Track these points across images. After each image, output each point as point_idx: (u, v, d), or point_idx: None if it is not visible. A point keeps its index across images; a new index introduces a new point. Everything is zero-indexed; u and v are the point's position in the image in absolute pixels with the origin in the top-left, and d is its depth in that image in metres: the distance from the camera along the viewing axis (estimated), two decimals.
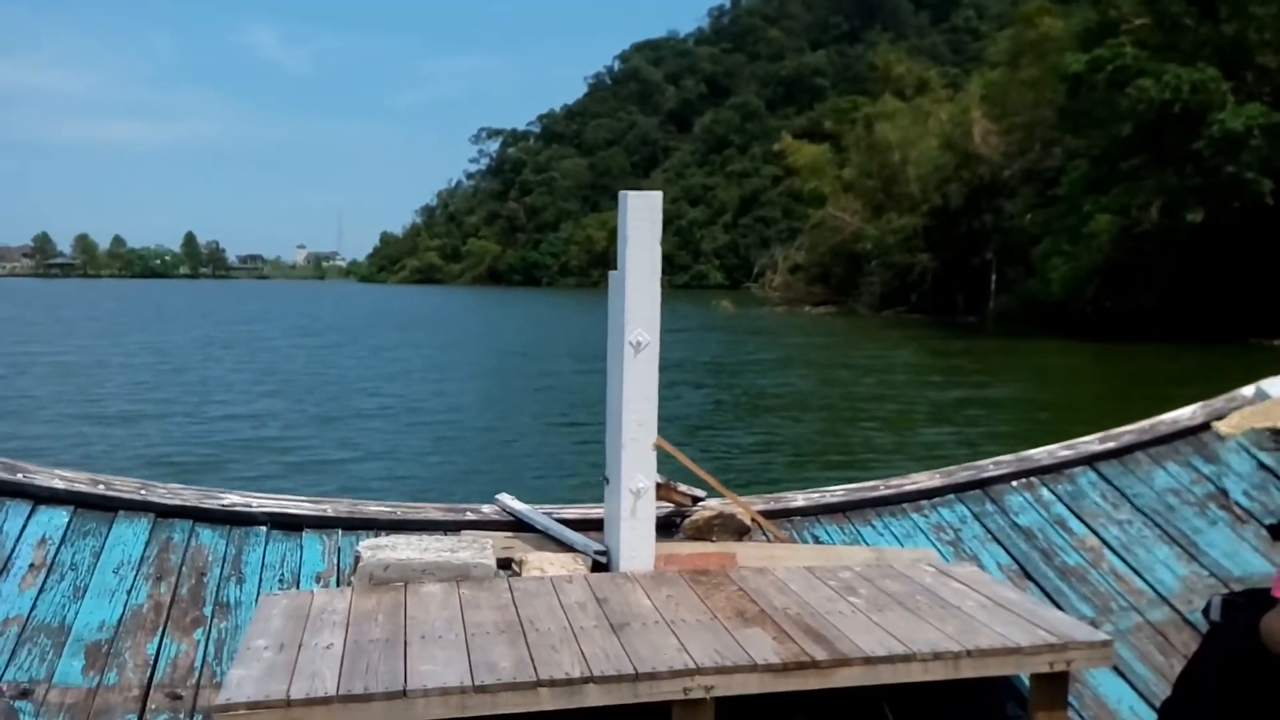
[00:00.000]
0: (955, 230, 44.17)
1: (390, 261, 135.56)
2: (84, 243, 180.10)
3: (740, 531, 3.58)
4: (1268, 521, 3.70)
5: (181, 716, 2.63)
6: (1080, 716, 2.91)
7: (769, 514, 3.74)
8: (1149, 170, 31.26)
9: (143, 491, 3.38)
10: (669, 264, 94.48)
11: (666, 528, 3.53)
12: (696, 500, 3.63)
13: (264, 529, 3.41)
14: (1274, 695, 2.05)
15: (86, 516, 3.25)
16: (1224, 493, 3.93)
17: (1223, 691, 2.17)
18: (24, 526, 3.14)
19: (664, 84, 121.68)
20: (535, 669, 2.48)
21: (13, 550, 3.05)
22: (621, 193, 3.25)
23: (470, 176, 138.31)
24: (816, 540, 3.76)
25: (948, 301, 43.99)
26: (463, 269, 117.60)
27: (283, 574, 3.26)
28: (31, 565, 3.01)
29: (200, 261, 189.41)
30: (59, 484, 3.28)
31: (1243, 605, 2.22)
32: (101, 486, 3.35)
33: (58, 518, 3.21)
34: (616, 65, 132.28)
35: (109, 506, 3.32)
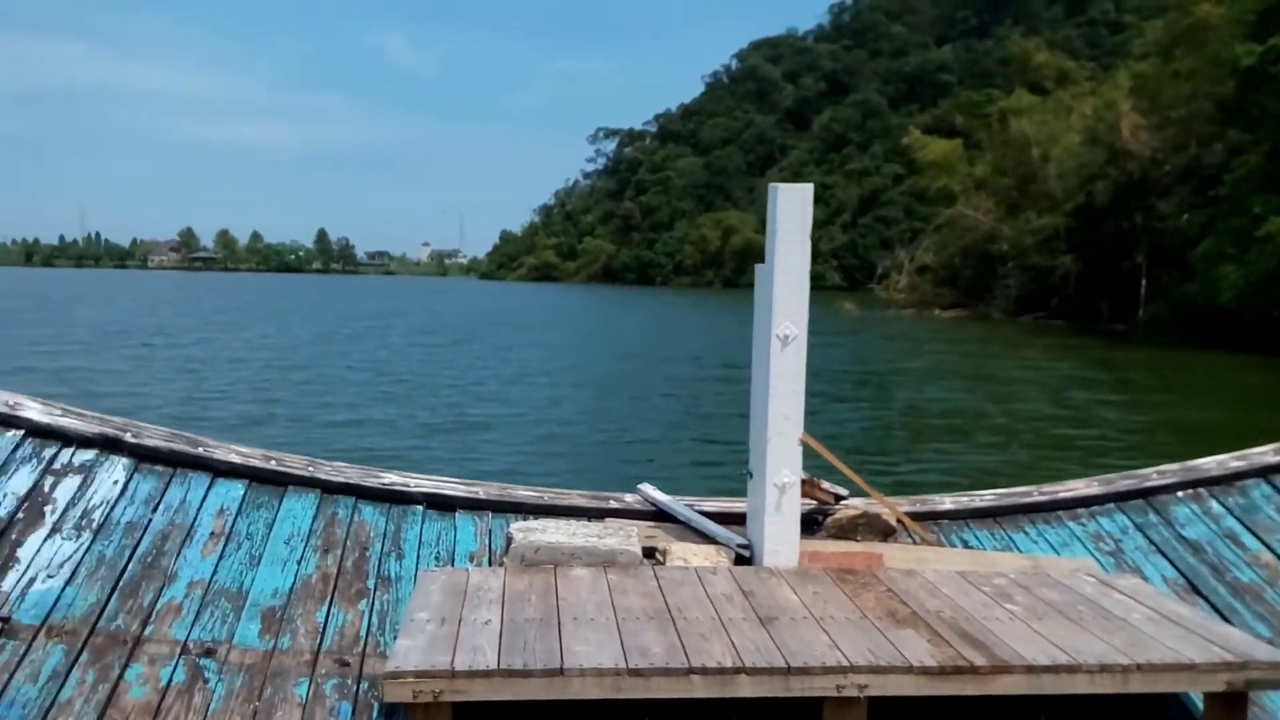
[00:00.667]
0: (1101, 231, 41.31)
1: (509, 259, 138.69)
2: (225, 238, 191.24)
3: (885, 532, 3.51)
4: None
5: (349, 683, 2.76)
6: None
7: (915, 516, 3.66)
8: None
9: (310, 468, 3.59)
10: None
11: (808, 525, 3.50)
12: (839, 499, 3.59)
13: (420, 508, 3.56)
14: None
15: (260, 490, 3.47)
16: None
17: None
18: (204, 497, 3.37)
19: (782, 82, 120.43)
20: (687, 656, 2.51)
21: (195, 519, 3.27)
22: (771, 185, 3.23)
23: (587, 176, 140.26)
24: (965, 545, 3.66)
25: (1091, 307, 41.17)
26: (578, 267, 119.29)
27: (438, 551, 3.39)
28: (212, 534, 3.22)
29: (331, 257, 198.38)
30: (235, 459, 3.50)
31: None
32: (273, 462, 3.57)
33: (234, 490, 3.44)
34: (734, 64, 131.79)
35: (280, 481, 3.53)
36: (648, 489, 3.79)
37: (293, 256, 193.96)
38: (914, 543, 3.56)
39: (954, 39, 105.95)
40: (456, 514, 3.58)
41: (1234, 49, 31.71)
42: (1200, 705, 2.69)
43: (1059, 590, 3.09)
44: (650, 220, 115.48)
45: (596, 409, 17.11)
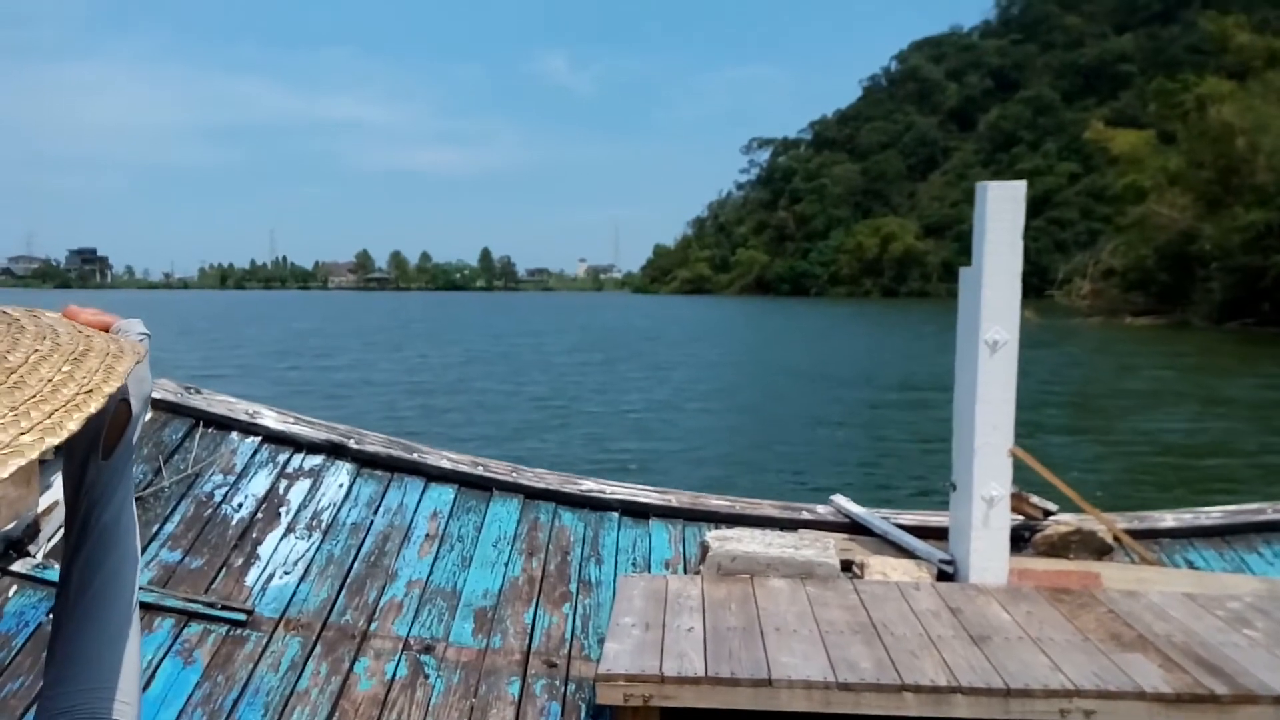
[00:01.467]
0: None
1: (662, 273, 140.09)
2: (397, 259, 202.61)
3: (1101, 550, 3.32)
4: None
5: (557, 683, 2.86)
6: None
7: (1134, 534, 3.45)
8: None
9: (514, 474, 3.75)
10: (948, 271, 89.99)
11: (1015, 542, 3.35)
12: (1049, 514, 3.42)
13: (616, 515, 3.66)
14: None
15: (468, 494, 3.66)
16: None
17: None
18: (419, 501, 3.58)
19: (945, 81, 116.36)
20: (898, 672, 2.46)
21: (411, 521, 3.48)
22: (979, 184, 3.13)
23: (740, 187, 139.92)
24: (1191, 565, 3.41)
25: None
26: (731, 279, 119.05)
27: (634, 558, 3.47)
28: (427, 535, 3.42)
29: (494, 275, 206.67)
30: (446, 464, 3.71)
31: None
32: (480, 468, 3.75)
33: (445, 494, 3.64)
34: (893, 65, 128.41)
35: (486, 486, 3.71)
36: (841, 500, 3.73)
37: (458, 275, 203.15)
38: (1133, 562, 3.34)
39: (1135, 26, 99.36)
40: (651, 521, 3.65)
41: None
42: None
43: None
44: (805, 230, 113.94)
45: (773, 423, 17.04)
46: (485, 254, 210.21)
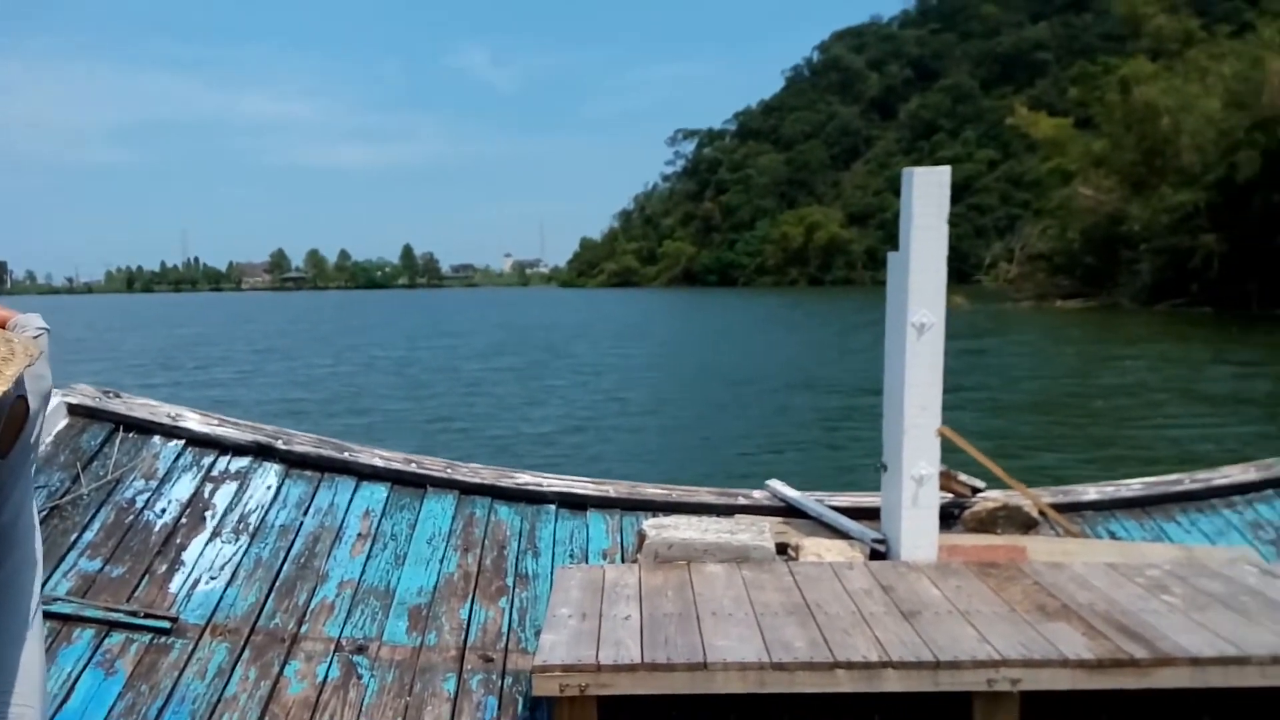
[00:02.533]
0: (1248, 206, 37.16)
1: (589, 266, 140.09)
2: (314, 258, 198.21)
3: (1027, 525, 3.46)
4: None
5: (494, 677, 2.87)
6: None
7: (1059, 507, 3.60)
8: None
9: (448, 470, 3.74)
10: (872, 259, 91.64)
11: (944, 519, 3.47)
12: (977, 491, 3.55)
13: (553, 507, 3.69)
14: None
15: (401, 492, 3.64)
16: None
17: None
18: (351, 500, 3.55)
19: (866, 71, 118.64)
20: (831, 651, 2.52)
21: (343, 521, 3.45)
22: (905, 170, 3.23)
23: (666, 179, 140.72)
24: (1113, 536, 3.57)
25: (1238, 292, 37.45)
26: (658, 271, 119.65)
27: (572, 549, 3.50)
28: (359, 535, 3.40)
29: (417, 272, 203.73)
30: (379, 462, 3.68)
31: None
32: (414, 465, 3.74)
33: (378, 493, 3.61)
34: (815, 56, 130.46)
35: (420, 483, 3.70)
36: (777, 485, 3.82)
37: (379, 273, 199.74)
38: (1058, 535, 3.49)
39: (1049, 15, 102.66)
40: (588, 512, 3.69)
41: None
42: None
43: (1219, 581, 3.00)
44: (731, 220, 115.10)
45: (709, 413, 17.15)
46: (407, 251, 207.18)
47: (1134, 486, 3.77)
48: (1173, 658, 2.46)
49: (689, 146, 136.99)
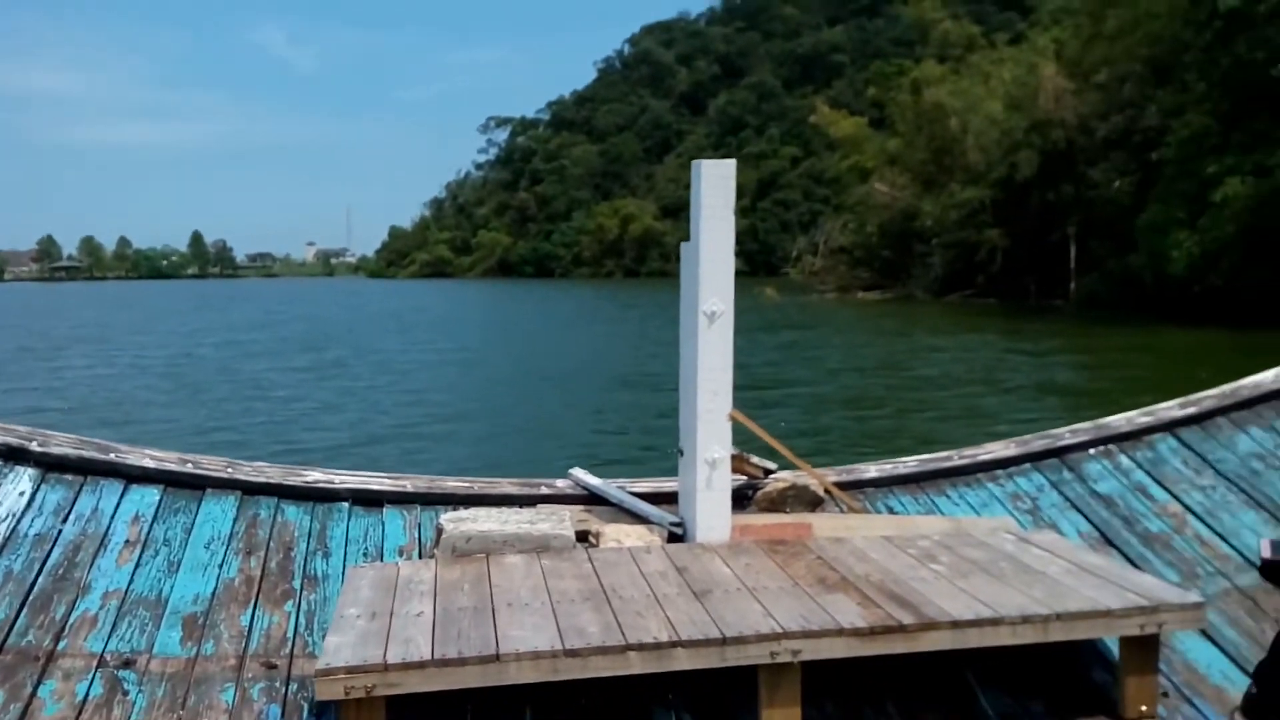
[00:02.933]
0: (1027, 203, 39.87)
1: (399, 256, 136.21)
2: (89, 245, 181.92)
3: (814, 503, 3.65)
4: None
5: (277, 685, 2.74)
6: (1169, 681, 2.94)
7: (842, 485, 3.82)
8: None
9: (229, 470, 3.53)
10: None
11: (739, 500, 3.61)
12: (769, 472, 3.72)
13: (346, 505, 3.55)
14: None
15: (176, 494, 3.40)
16: None
17: None
18: (118, 505, 3.29)
19: (676, 66, 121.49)
20: (623, 634, 2.57)
21: (109, 528, 3.19)
22: (695, 161, 3.32)
23: (479, 167, 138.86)
24: (891, 511, 3.83)
25: (1020, 284, 40.06)
26: (473, 261, 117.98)
27: (366, 548, 3.39)
28: (127, 541, 3.15)
29: (208, 261, 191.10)
30: (149, 463, 3.42)
31: None
32: (190, 465, 3.50)
33: (149, 496, 3.36)
34: (626, 49, 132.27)
35: (197, 485, 3.47)
36: (579, 473, 3.85)
37: (165, 262, 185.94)
38: (842, 511, 3.70)
39: (845, 19, 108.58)
40: (384, 509, 3.58)
41: None
42: (1116, 649, 2.87)
43: (980, 549, 3.27)
44: (547, 211, 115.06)
45: (517, 402, 17.02)
46: (197, 238, 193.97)
47: (910, 464, 4.05)
48: (936, 622, 2.66)
49: (502, 135, 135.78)
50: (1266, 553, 2.46)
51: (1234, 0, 27.83)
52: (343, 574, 3.15)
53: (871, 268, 49.36)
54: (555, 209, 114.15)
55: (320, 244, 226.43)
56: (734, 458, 3.50)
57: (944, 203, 43.60)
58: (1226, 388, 4.30)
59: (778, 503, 3.62)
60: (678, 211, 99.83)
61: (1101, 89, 37.63)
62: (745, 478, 3.70)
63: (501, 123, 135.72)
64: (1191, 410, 4.20)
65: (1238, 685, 2.84)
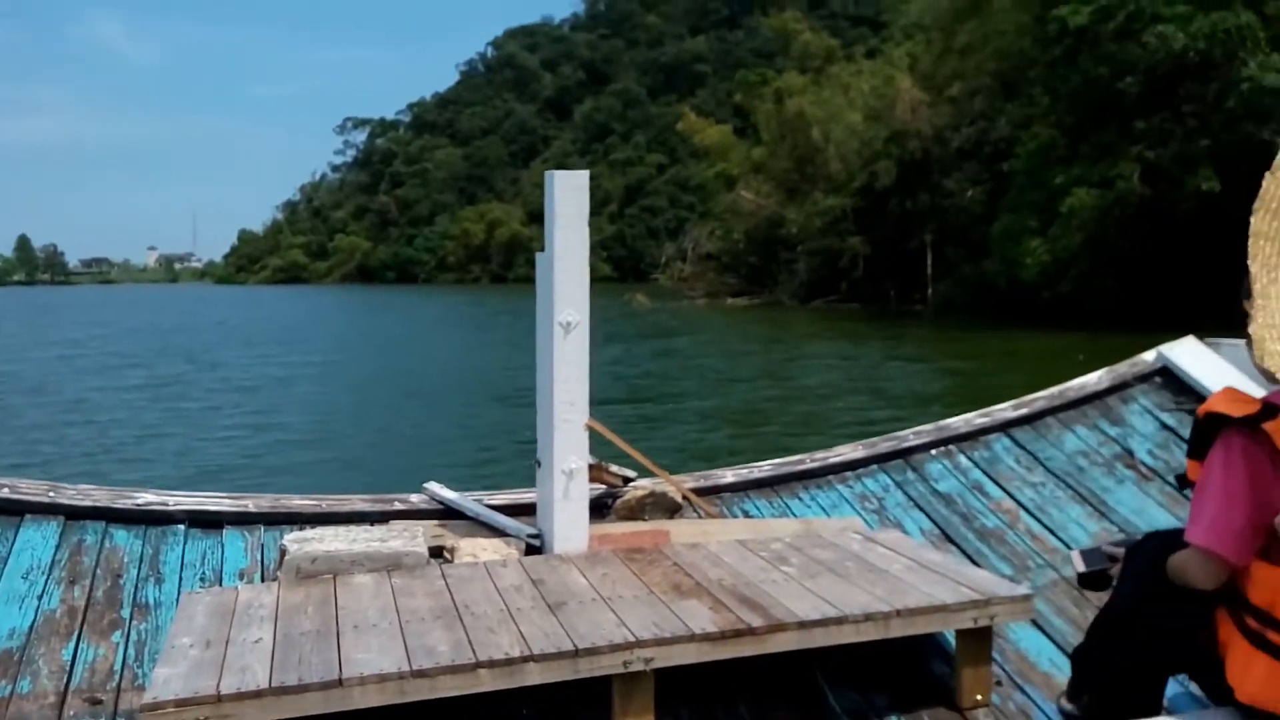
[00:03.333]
0: (886, 211, 41.35)
1: (250, 261, 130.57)
2: None
3: (672, 510, 3.71)
4: (1171, 478, 4.06)
5: None
6: (1003, 670, 3.12)
7: (700, 491, 3.89)
8: (1142, 134, 28.09)
9: (51, 493, 3.32)
10: None
11: (599, 509, 3.63)
12: (628, 481, 3.75)
13: (182, 527, 3.38)
14: (1178, 625, 2.28)
15: None
16: (1129, 453, 4.29)
17: (1133, 626, 2.39)
18: None
19: (541, 71, 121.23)
20: (474, 651, 2.53)
21: None
22: (547, 172, 3.33)
23: (336, 169, 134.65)
24: (747, 515, 3.92)
25: (881, 289, 41.32)
26: (330, 267, 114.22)
27: (204, 572, 3.23)
28: None
29: (36, 267, 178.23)
30: None
31: (1142, 546, 2.47)
32: (6, 490, 3.27)
33: None
34: (490, 52, 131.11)
35: (14, 510, 3.24)
36: (434, 487, 3.78)
37: None
38: (700, 517, 3.77)
39: (707, 29, 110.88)
40: (224, 531, 3.42)
41: (1050, 12, 28.96)
42: (953, 641, 3.02)
43: (829, 549, 3.38)
44: (409, 215, 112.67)
45: (374, 416, 16.53)
46: (23, 242, 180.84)
47: (764, 468, 4.17)
48: (784, 623, 2.73)
49: (360, 136, 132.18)
50: (1080, 566, 2.65)
51: (1082, 18, 28.73)
52: (177, 601, 2.99)
53: (739, 274, 50.23)
54: (418, 213, 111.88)
55: (163, 249, 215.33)
56: (593, 467, 3.52)
57: (808, 210, 44.86)
58: (1055, 389, 4.61)
59: (636, 511, 3.66)
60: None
61: (954, 102, 39.19)
62: (604, 487, 3.73)
63: (360, 124, 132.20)
64: (1024, 411, 4.48)
65: (1064, 671, 3.02)
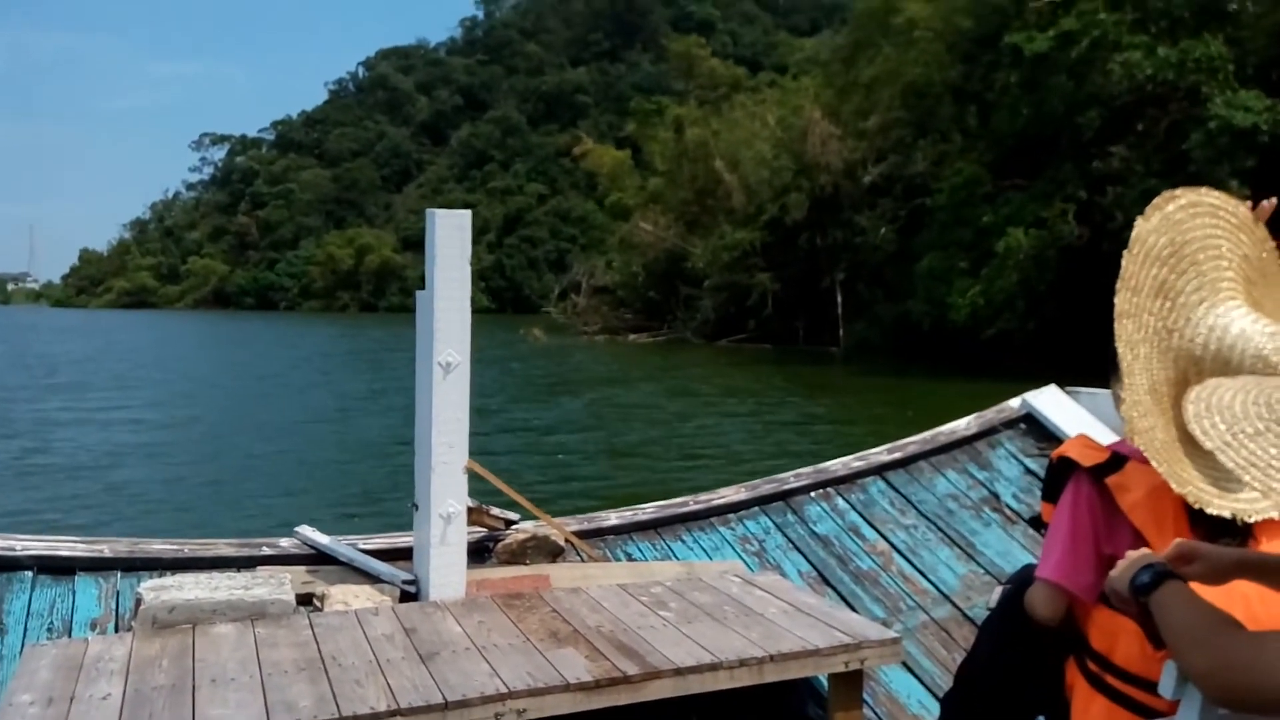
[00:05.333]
0: (795, 247, 40.17)
1: (92, 283, 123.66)
2: None
3: (554, 553, 3.75)
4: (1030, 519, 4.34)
5: None
6: (874, 712, 3.27)
7: (583, 534, 3.94)
8: (1093, 171, 27.10)
9: None
10: None
11: (480, 554, 3.64)
12: (510, 524, 3.77)
13: (30, 573, 3.22)
14: (1039, 662, 2.44)
15: None
16: (995, 496, 4.57)
17: (998, 668, 2.54)
18: None
19: (416, 94, 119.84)
20: (337, 705, 2.51)
21: None
22: (429, 210, 3.37)
23: (191, 187, 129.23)
24: (629, 557, 4.00)
25: (791, 329, 40.41)
26: (182, 291, 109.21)
27: (52, 622, 3.10)
28: None
29: None
30: None
31: (1013, 585, 2.63)
32: None
33: None
34: (361, 72, 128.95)
35: None
36: (306, 531, 3.72)
37: None
38: (582, 560, 3.82)
39: (588, 61, 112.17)
40: (76, 577, 3.29)
41: (1008, 39, 28.45)
42: (826, 684, 3.16)
43: (708, 592, 3.49)
44: (270, 238, 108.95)
45: (238, 452, 15.84)
46: None
47: (649, 510, 4.26)
48: (660, 670, 2.80)
49: (219, 153, 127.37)
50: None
51: (1040, 45, 27.12)
52: (20, 654, 2.85)
53: (635, 309, 48.95)
54: (281, 236, 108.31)
55: None
56: (474, 510, 3.54)
57: (714, 244, 43.63)
58: (927, 434, 4.88)
59: (518, 554, 3.68)
60: (419, 244, 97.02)
61: (863, 136, 38.43)
62: (485, 530, 3.74)
63: (218, 140, 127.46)
64: (898, 455, 4.72)
65: (933, 712, 3.20)
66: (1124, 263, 2.09)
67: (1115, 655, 2.18)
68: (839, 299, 39.21)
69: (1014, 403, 5.08)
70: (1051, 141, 28.74)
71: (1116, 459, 2.21)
